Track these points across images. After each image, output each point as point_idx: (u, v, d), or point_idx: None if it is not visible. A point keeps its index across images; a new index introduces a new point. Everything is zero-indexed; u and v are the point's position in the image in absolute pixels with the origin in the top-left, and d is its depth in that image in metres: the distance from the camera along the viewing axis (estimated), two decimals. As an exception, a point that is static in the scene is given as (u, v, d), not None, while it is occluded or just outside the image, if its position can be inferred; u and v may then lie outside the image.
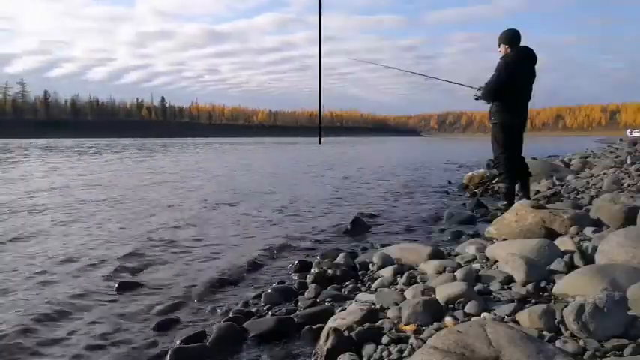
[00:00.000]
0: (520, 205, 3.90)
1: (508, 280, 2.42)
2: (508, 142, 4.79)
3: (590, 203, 4.61)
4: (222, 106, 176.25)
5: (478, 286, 2.37)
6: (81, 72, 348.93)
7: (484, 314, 2.01)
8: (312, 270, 3.32)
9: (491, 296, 2.25)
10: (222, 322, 2.43)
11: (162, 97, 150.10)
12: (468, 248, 3.32)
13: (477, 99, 4.95)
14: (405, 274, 2.82)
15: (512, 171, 4.80)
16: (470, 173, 9.05)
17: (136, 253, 4.07)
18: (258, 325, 2.37)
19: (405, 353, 1.77)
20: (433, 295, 2.26)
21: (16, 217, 5.75)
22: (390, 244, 3.94)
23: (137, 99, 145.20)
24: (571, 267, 2.48)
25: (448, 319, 1.99)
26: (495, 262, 2.85)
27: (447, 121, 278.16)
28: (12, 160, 18.92)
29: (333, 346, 1.91)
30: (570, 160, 11.14)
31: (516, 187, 4.88)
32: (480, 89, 4.89)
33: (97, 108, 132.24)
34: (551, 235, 3.36)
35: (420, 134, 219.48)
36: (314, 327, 2.28)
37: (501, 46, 4.73)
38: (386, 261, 3.23)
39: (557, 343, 1.63)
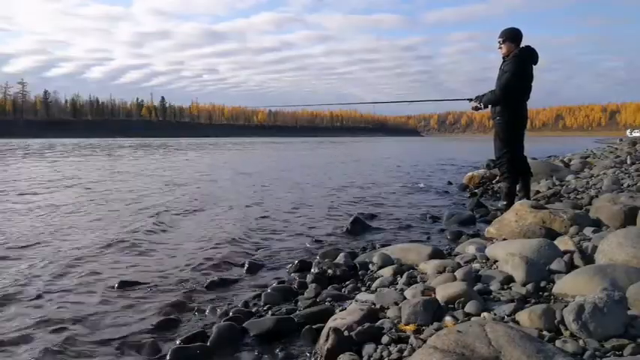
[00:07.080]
0: (520, 204, 3.91)
1: (508, 280, 2.42)
2: (511, 140, 4.81)
3: (590, 203, 4.61)
4: (222, 106, 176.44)
5: (478, 286, 2.37)
6: (79, 72, 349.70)
7: (484, 314, 2.01)
8: (312, 270, 3.32)
9: (491, 296, 2.26)
10: (222, 322, 2.42)
11: (162, 97, 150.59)
12: (468, 248, 3.32)
13: (483, 107, 4.91)
14: (405, 274, 2.83)
15: (514, 170, 4.82)
16: (470, 173, 9.06)
17: (136, 253, 4.07)
18: (258, 325, 2.37)
19: (405, 353, 1.77)
20: (433, 295, 2.26)
21: (14, 216, 5.75)
22: (390, 244, 3.95)
23: (137, 99, 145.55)
24: (571, 267, 2.49)
25: (448, 319, 1.99)
26: (495, 262, 2.85)
27: (447, 121, 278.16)
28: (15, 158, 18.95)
29: (333, 346, 1.91)
30: (570, 160, 11.14)
31: (517, 186, 4.90)
32: (477, 99, 4.88)
33: (97, 108, 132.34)
34: (551, 235, 3.36)
35: (420, 134, 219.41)
36: (314, 327, 2.28)
37: (506, 43, 4.71)
38: (386, 261, 3.23)
39: (557, 343, 1.63)
